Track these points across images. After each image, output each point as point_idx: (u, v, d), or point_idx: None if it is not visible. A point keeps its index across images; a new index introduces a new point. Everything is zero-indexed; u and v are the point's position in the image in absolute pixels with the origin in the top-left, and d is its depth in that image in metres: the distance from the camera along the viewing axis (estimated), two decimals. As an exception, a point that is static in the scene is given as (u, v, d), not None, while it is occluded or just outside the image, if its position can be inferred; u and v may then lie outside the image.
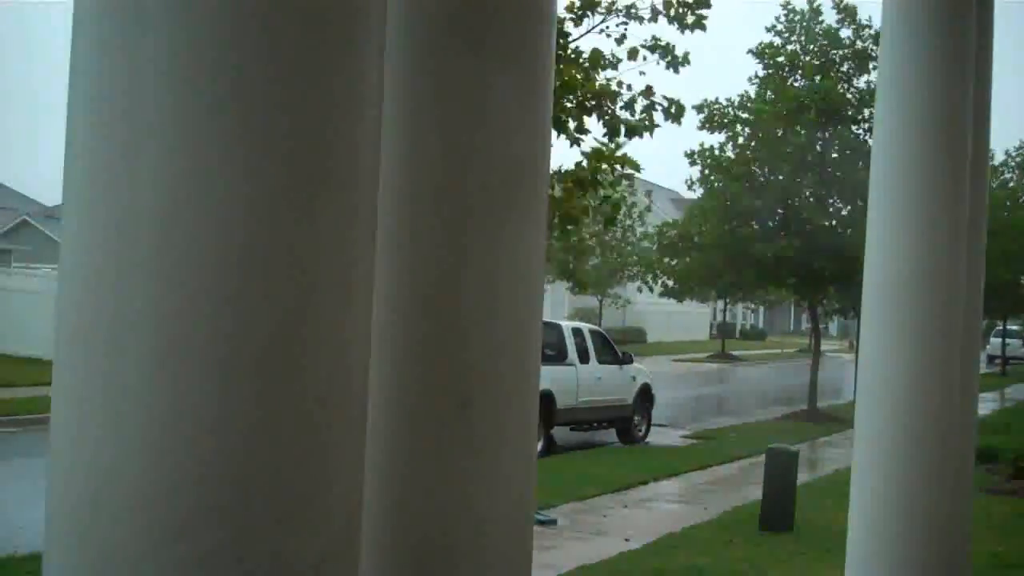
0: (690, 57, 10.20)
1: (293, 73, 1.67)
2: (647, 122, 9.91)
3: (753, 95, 23.78)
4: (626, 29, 9.97)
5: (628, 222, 37.13)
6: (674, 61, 10.12)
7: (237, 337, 1.61)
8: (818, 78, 23.01)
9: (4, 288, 29.69)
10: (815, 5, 23.51)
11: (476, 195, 2.49)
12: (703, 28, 9.90)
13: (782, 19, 23.64)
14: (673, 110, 10.00)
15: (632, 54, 9.90)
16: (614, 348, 19.63)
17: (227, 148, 1.63)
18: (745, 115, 23.44)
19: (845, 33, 23.65)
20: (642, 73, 10.03)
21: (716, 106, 23.36)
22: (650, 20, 9.95)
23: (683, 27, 9.87)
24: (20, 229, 47.59)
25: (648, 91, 9.96)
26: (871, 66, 23.27)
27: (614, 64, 9.94)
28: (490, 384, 2.38)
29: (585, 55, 9.67)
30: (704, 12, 9.83)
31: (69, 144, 1.72)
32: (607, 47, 10.24)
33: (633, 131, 9.82)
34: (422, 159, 2.50)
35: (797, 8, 23.66)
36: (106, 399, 1.61)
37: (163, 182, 1.61)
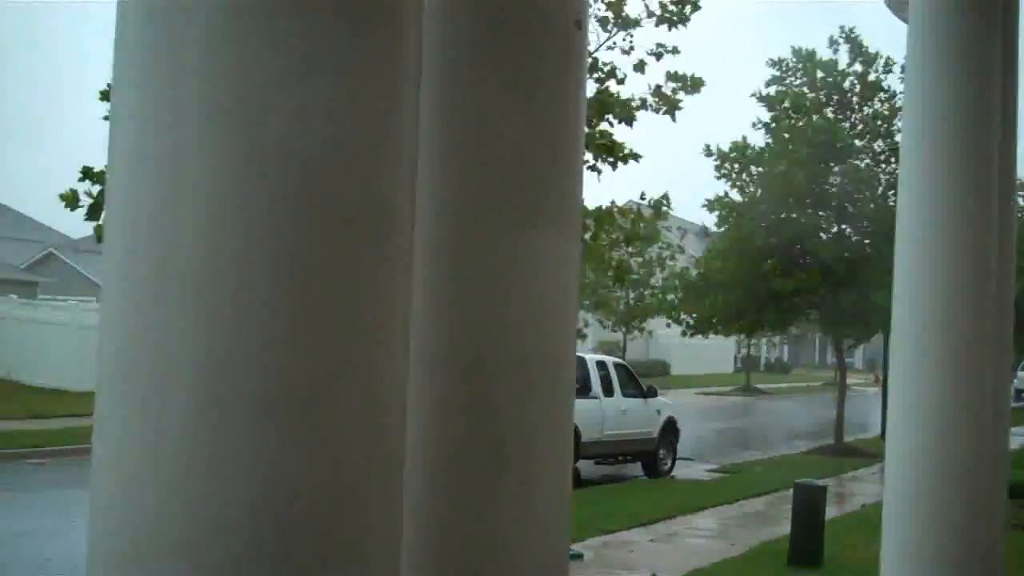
0: (701, 81, 10.52)
1: (330, 120, 1.69)
2: (667, 109, 10.29)
3: (761, 141, 23.98)
4: (632, 41, 10.33)
5: (656, 254, 37.08)
6: (694, 83, 10.45)
7: (278, 381, 1.62)
8: (821, 115, 23.08)
9: (32, 320, 29.87)
10: (810, 50, 23.63)
11: (505, 236, 2.50)
12: (685, 23, 10.34)
13: (785, 62, 23.71)
14: (691, 83, 10.39)
15: (639, 66, 10.28)
16: (638, 381, 19.56)
17: (268, 194, 1.64)
18: (752, 155, 23.59)
19: (848, 65, 23.70)
20: (659, 87, 10.35)
21: (732, 154, 23.50)
22: (657, 24, 10.35)
23: (671, 24, 10.30)
24: (46, 261, 47.82)
25: (659, 91, 10.29)
26: (882, 95, 23.39)
27: (620, 80, 10.26)
28: (523, 426, 2.38)
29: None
30: (688, 9, 10.28)
31: (110, 191, 1.74)
32: (607, 59, 10.54)
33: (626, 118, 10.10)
34: (449, 199, 2.50)
35: (800, 49, 23.75)
36: (147, 441, 1.62)
37: (205, 227, 1.63)
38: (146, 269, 1.65)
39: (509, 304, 2.43)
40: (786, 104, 23.58)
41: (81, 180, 9.40)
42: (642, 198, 11.11)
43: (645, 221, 11.14)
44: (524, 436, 2.37)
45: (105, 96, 10.96)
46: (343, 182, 1.70)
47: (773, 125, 23.80)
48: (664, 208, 11.27)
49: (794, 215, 23.27)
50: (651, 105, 10.37)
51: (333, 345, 1.66)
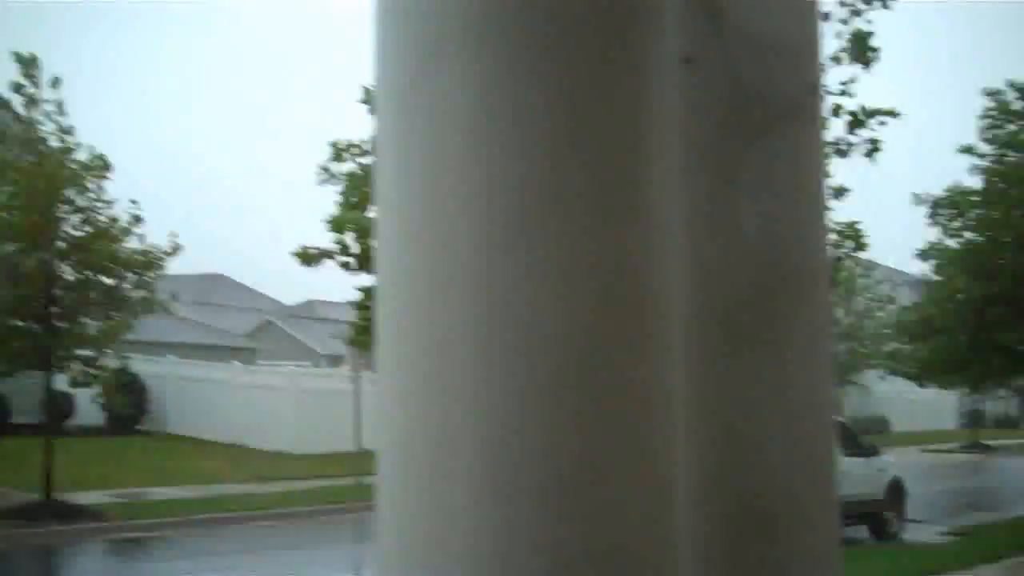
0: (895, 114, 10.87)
1: (592, 189, 1.66)
2: (869, 149, 10.92)
3: (976, 184, 22.95)
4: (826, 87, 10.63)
5: (864, 305, 35.98)
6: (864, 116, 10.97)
7: (558, 459, 1.58)
8: None
9: (253, 385, 31.23)
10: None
11: (758, 306, 2.41)
12: (868, 66, 10.95)
13: (1000, 94, 22.58)
14: (864, 115, 10.92)
15: (836, 110, 10.85)
16: (858, 440, 18.85)
17: (534, 267, 1.61)
18: (966, 201, 22.65)
19: None
20: (852, 120, 11.00)
21: (944, 200, 22.69)
22: (851, 63, 10.98)
23: (860, 63, 10.96)
24: (263, 328, 50.16)
25: (856, 120, 10.85)
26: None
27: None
28: (791, 502, 2.27)
29: None
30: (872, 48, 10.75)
31: (379, 276, 1.75)
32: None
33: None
34: (703, 268, 2.44)
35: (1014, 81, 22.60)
36: (430, 516, 1.60)
37: (476, 306, 1.61)
38: (420, 351, 1.64)
39: (772, 381, 2.33)
40: (999, 129, 22.49)
41: (335, 232, 10.02)
42: None
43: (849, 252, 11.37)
44: (792, 515, 2.26)
45: (326, 175, 11.51)
46: (607, 254, 1.66)
47: (988, 165, 22.76)
48: (857, 230, 11.57)
49: (1018, 261, 22.12)
50: (845, 146, 10.67)
51: (611, 422, 1.62)
